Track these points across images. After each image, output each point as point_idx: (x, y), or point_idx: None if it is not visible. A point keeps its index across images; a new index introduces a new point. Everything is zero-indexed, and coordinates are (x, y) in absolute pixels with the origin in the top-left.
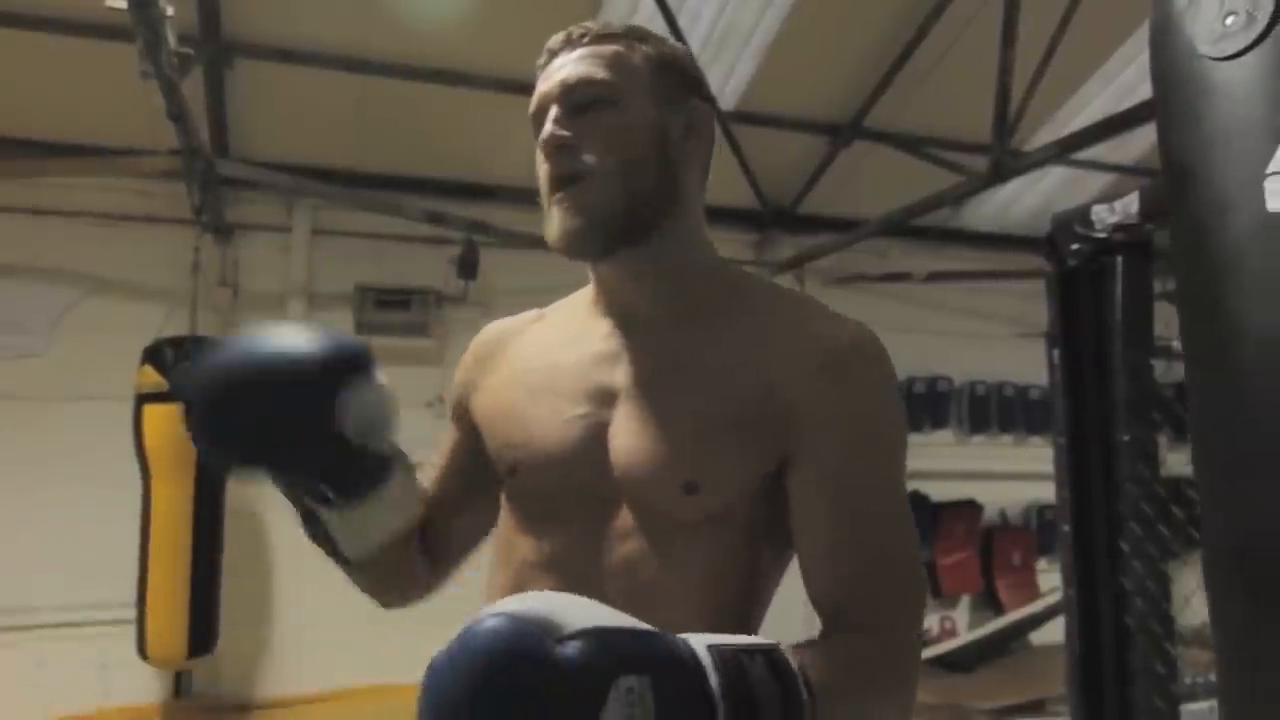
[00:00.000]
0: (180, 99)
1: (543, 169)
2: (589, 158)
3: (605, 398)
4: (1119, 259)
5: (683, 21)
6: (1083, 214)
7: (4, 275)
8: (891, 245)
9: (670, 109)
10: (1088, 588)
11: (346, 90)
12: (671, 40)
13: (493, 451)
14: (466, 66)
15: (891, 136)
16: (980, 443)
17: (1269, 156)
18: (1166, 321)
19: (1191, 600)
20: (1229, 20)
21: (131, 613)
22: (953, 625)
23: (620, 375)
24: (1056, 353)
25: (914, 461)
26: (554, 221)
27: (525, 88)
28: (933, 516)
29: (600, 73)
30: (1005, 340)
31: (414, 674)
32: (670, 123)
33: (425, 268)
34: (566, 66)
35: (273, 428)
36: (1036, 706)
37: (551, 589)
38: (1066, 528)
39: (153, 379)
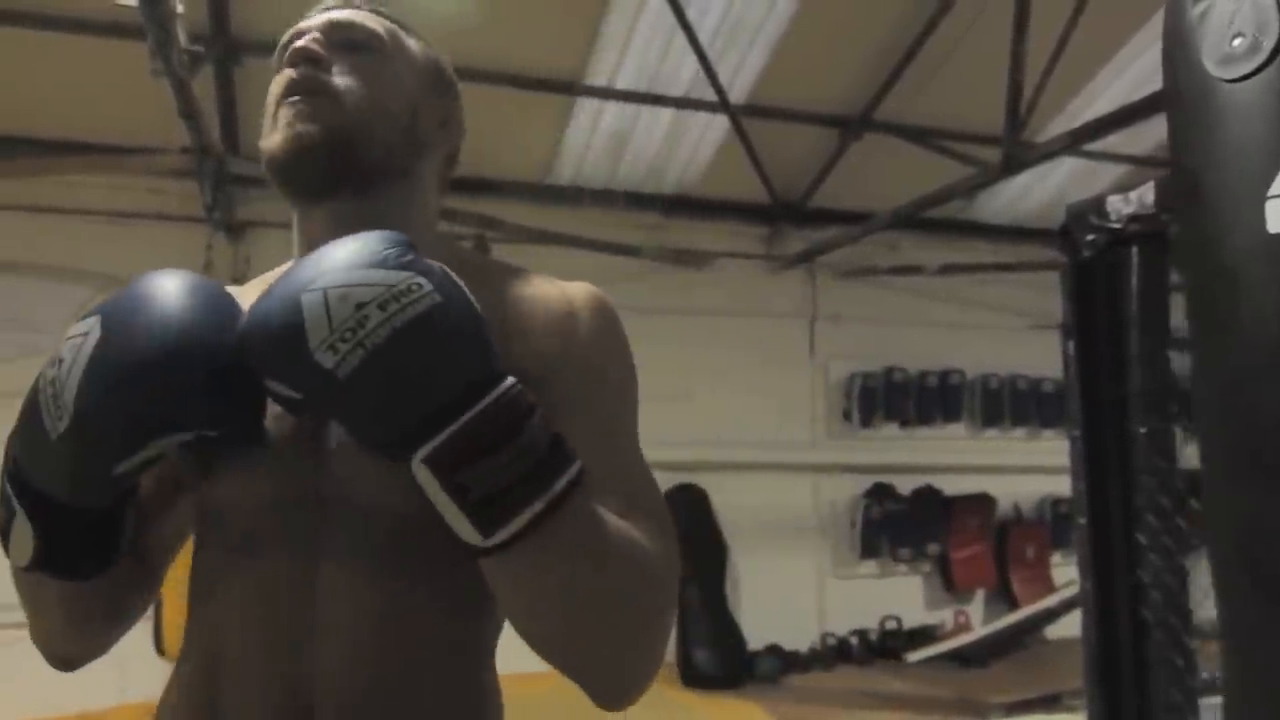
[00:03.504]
0: (191, 97)
1: (279, 80)
2: (339, 80)
3: None
4: (1134, 250)
5: (691, 15)
6: (1097, 205)
7: (17, 273)
8: (902, 238)
9: (428, 97)
10: (1104, 581)
11: None
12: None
13: (183, 450)
14: (473, 62)
15: (902, 129)
16: (993, 436)
17: (1271, 179)
18: (1183, 312)
19: (1210, 593)
20: (1236, 42)
21: (147, 610)
22: (966, 619)
23: None
24: (1071, 344)
25: (926, 455)
26: (278, 130)
27: (534, 83)
28: (946, 510)
29: (373, 24)
30: (1018, 333)
31: None
32: (425, 108)
33: None
34: (336, 11)
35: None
36: (1052, 701)
37: (260, 622)
38: (1082, 521)
39: None
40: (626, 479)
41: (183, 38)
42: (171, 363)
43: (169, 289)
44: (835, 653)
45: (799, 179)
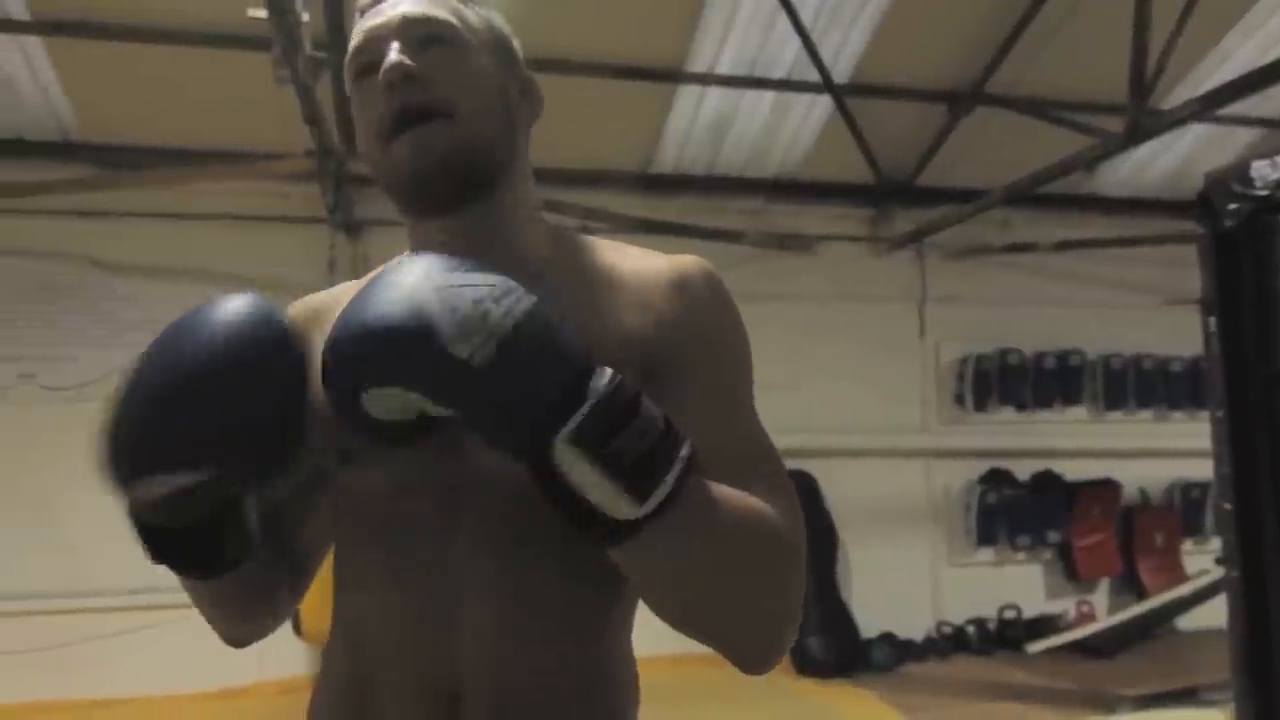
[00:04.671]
0: (315, 102)
1: (380, 104)
2: (444, 92)
3: None
4: None
5: None
6: (1240, 171)
7: (153, 277)
8: (1015, 215)
9: (506, 71)
10: (1253, 569)
11: None
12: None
13: (321, 438)
14: (574, 54)
15: (1015, 101)
16: (1117, 419)
17: None
18: None
19: None
20: None
21: (302, 596)
22: (1090, 609)
23: None
24: (1213, 320)
25: (1045, 439)
26: (403, 164)
27: (635, 72)
28: (1067, 496)
29: (444, 13)
30: (1141, 310)
31: None
32: (509, 83)
33: None
34: (403, 4)
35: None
36: (1187, 694)
37: (402, 609)
38: (1228, 506)
39: None
40: (747, 446)
41: (308, 45)
42: (175, 403)
43: (198, 330)
44: (952, 642)
45: (906, 158)
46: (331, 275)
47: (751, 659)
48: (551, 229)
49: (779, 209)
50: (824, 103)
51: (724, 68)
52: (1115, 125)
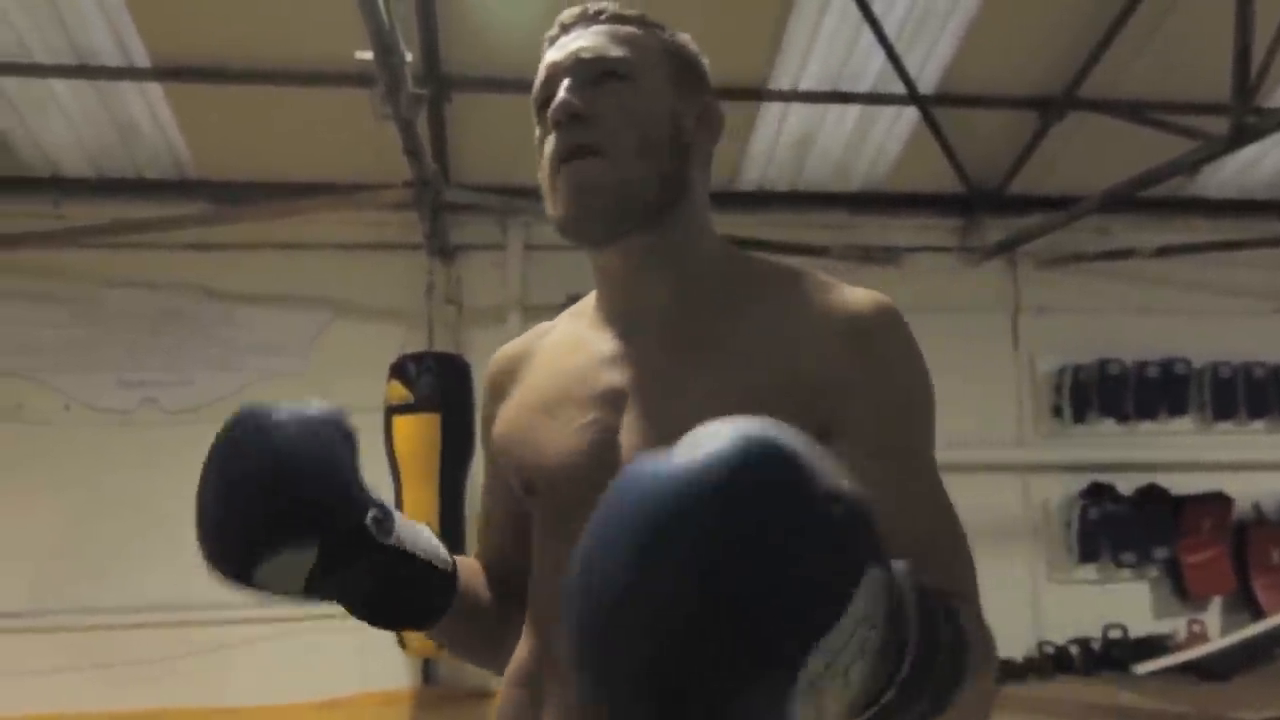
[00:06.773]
0: (415, 135)
1: (549, 142)
2: (604, 131)
3: (614, 400)
4: None
5: (877, 8)
6: None
7: (265, 304)
8: (1112, 221)
9: (684, 98)
10: None
11: None
12: (682, 33)
13: (511, 477)
14: None
15: (1109, 105)
16: (1227, 429)
17: None
18: None
19: None
20: None
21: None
22: (1202, 629)
23: (627, 374)
24: None
25: (1149, 452)
26: (561, 197)
27: (718, 92)
28: (1175, 511)
29: (617, 49)
30: (1250, 316)
31: None
32: (684, 111)
33: None
34: (581, 39)
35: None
36: None
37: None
38: None
39: (400, 393)
40: (922, 519)
41: (410, 83)
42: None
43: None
44: (1054, 662)
45: (996, 166)
46: (428, 298)
47: None
48: (724, 250)
49: (864, 222)
50: (910, 114)
51: (808, 84)
52: (1218, 126)
